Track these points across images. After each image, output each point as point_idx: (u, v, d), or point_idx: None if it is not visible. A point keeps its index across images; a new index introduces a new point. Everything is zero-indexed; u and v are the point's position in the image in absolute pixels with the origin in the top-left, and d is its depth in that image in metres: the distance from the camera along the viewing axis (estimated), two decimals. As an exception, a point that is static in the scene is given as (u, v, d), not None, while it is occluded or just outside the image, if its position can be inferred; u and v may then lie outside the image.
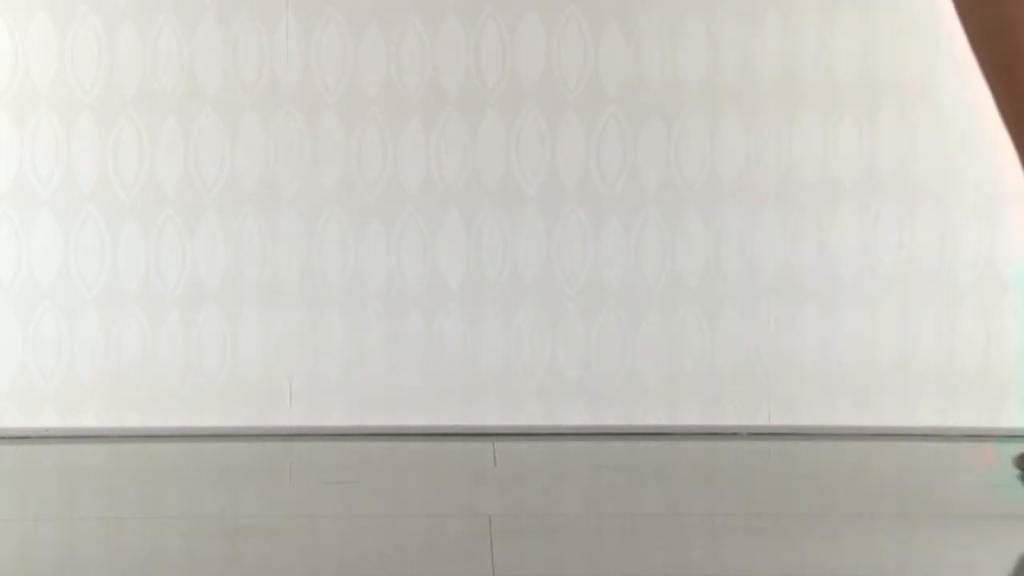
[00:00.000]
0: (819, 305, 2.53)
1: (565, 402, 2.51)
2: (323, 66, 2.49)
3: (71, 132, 2.49)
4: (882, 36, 2.53)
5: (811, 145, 2.53)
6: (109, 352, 2.47)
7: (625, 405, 2.52)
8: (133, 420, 2.49)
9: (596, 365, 2.52)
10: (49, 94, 2.49)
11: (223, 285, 2.48)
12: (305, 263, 2.52)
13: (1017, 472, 1.72)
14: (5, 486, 1.99)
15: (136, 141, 2.49)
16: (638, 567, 1.39)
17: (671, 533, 1.57)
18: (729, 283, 2.53)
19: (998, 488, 1.85)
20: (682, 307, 2.54)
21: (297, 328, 2.50)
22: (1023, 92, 1.62)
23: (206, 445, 2.24)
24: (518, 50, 2.52)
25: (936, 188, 2.54)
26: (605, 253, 2.52)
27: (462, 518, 1.58)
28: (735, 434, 2.49)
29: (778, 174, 2.53)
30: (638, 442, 2.42)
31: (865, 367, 2.53)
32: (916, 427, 2.50)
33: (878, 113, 2.53)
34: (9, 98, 2.48)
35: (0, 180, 2.49)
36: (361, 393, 2.48)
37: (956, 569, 1.43)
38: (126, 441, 2.39)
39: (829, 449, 2.34)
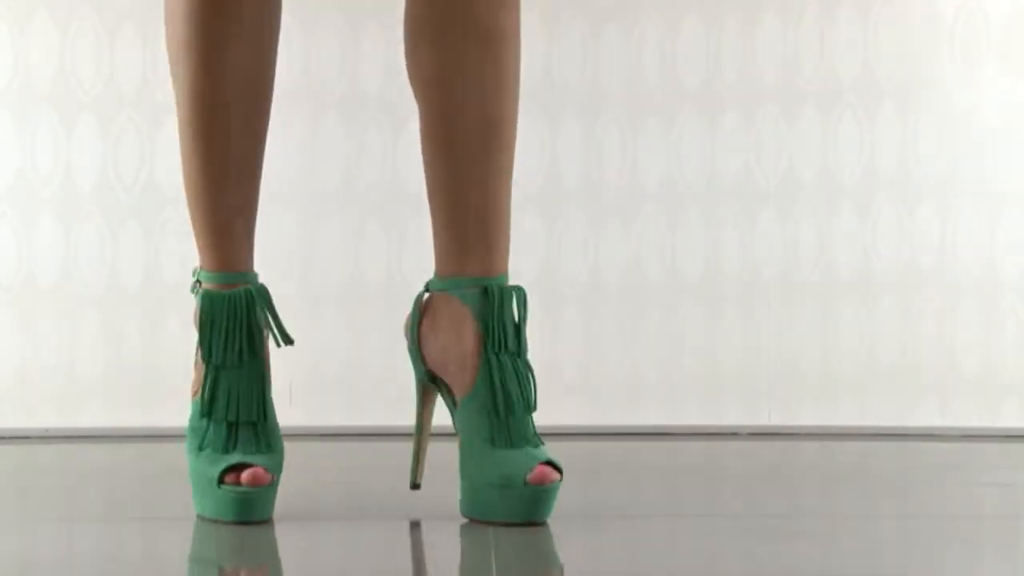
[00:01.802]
0: (819, 305, 2.54)
1: (565, 402, 2.51)
2: (323, 66, 2.50)
3: (71, 132, 2.49)
4: (882, 36, 2.53)
5: (811, 145, 2.54)
6: (109, 352, 2.47)
7: (625, 405, 2.52)
8: (133, 420, 2.49)
9: (596, 365, 2.52)
10: (49, 94, 2.49)
11: (223, 285, 2.48)
12: (305, 263, 2.52)
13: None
14: (5, 486, 1.99)
15: (136, 141, 2.49)
16: (638, 567, 1.39)
17: (671, 533, 1.57)
18: (729, 283, 2.53)
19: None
20: (682, 306, 2.55)
21: (297, 328, 2.50)
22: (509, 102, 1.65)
23: (206, 445, 2.24)
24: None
25: (936, 188, 2.54)
26: (605, 253, 2.53)
27: (462, 519, 1.59)
28: (735, 434, 2.49)
29: (778, 174, 2.53)
30: (638, 442, 2.42)
31: (865, 367, 2.53)
32: (916, 427, 2.50)
33: (878, 113, 2.54)
34: (9, 98, 2.48)
35: (0, 180, 2.49)
36: (361, 393, 2.48)
37: (956, 569, 1.43)
38: (126, 441, 2.39)
39: (829, 449, 2.34)
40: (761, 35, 2.53)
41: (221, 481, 1.57)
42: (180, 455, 1.66)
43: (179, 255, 2.48)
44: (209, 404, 1.61)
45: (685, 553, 1.48)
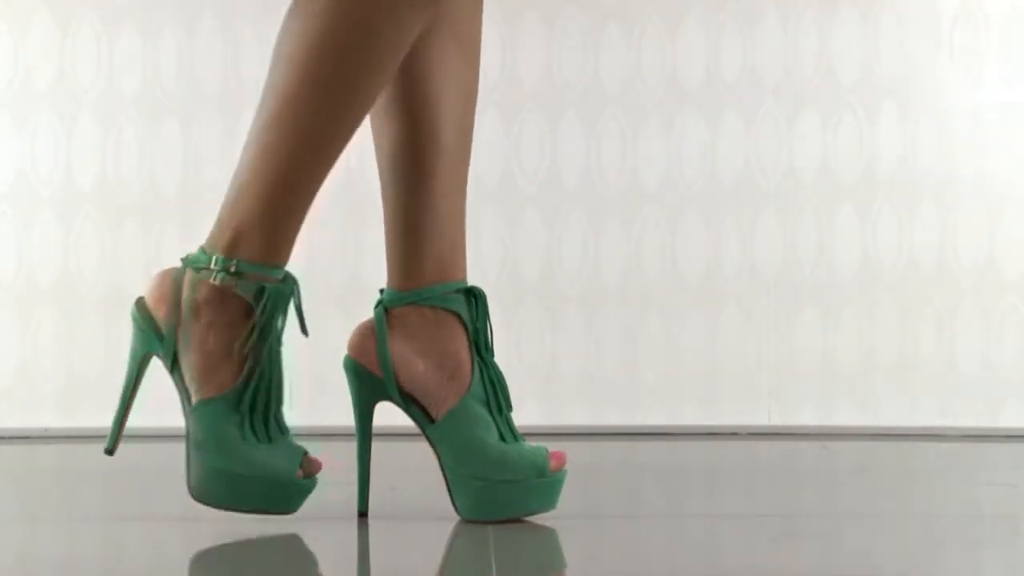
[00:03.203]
0: (819, 305, 2.54)
1: (565, 402, 2.51)
2: (323, 66, 2.49)
3: (71, 132, 2.49)
4: (882, 36, 2.53)
5: (811, 145, 2.54)
6: (109, 352, 2.47)
7: (625, 405, 2.52)
8: (133, 420, 2.49)
9: (596, 365, 2.52)
10: (49, 94, 2.49)
11: (223, 285, 2.48)
12: (305, 263, 2.51)
13: None
14: (5, 486, 1.99)
15: (136, 141, 2.49)
16: (638, 567, 1.39)
17: (671, 533, 1.57)
18: (729, 283, 2.53)
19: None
20: (682, 306, 2.55)
21: (297, 328, 2.50)
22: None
23: (206, 445, 2.24)
24: (518, 50, 2.51)
25: (936, 188, 2.54)
26: (605, 253, 2.53)
27: (460, 519, 1.59)
28: (735, 434, 2.49)
29: (778, 174, 2.53)
30: (638, 442, 2.42)
31: (865, 367, 2.53)
32: (916, 427, 2.50)
33: (878, 113, 2.54)
34: (9, 98, 2.48)
35: (0, 180, 2.49)
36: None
37: (956, 569, 1.43)
38: (126, 441, 2.38)
39: (829, 449, 2.34)
40: (761, 35, 2.53)
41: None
42: (180, 454, 1.66)
43: (179, 254, 2.48)
44: (267, 394, 1.61)
45: (685, 553, 1.48)
